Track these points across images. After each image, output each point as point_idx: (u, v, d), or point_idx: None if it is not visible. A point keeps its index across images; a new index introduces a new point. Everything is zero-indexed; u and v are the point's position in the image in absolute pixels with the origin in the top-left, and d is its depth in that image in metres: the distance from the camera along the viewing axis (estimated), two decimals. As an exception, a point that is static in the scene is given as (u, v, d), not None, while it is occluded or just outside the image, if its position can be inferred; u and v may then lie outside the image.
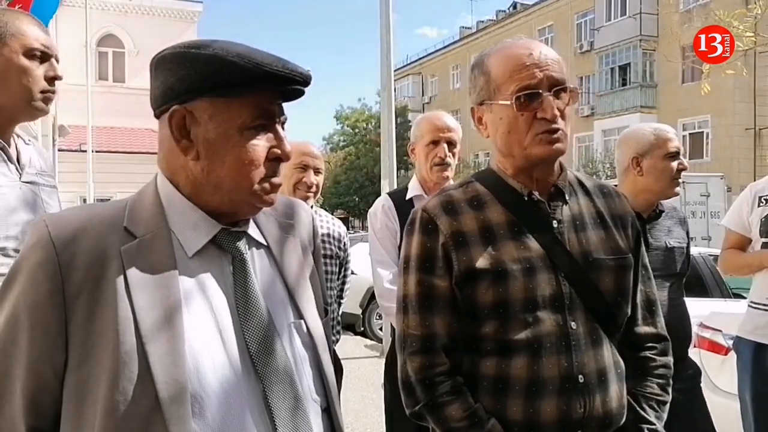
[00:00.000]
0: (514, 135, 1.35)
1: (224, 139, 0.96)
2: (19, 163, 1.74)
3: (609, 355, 1.36)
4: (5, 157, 1.70)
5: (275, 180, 1.01)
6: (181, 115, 0.96)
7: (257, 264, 1.05)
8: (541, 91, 1.31)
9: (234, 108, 0.95)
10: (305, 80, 1.00)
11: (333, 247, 2.76)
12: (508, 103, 1.32)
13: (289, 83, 0.98)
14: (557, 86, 1.33)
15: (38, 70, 1.70)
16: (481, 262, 1.32)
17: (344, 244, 2.82)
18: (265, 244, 1.08)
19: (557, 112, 1.32)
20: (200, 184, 0.98)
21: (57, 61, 1.77)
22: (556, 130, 1.32)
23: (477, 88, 1.42)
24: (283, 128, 1.02)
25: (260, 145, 0.97)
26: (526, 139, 1.33)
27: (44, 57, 1.71)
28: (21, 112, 1.72)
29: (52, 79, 1.73)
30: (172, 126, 0.97)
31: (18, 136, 1.80)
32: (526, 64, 1.33)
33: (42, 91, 1.71)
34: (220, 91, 0.94)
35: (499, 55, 1.39)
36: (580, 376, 1.30)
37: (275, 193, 1.02)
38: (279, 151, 0.99)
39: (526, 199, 1.39)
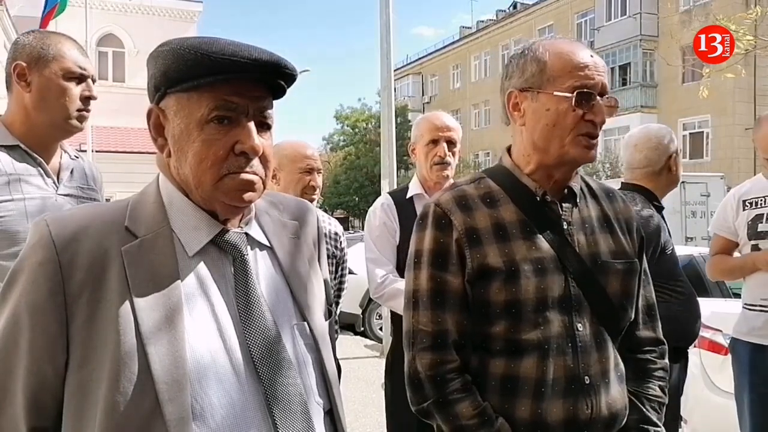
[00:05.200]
0: (558, 130, 1.33)
1: (186, 135, 0.94)
2: (58, 177, 1.88)
3: (612, 357, 1.37)
4: (42, 171, 1.83)
5: (244, 176, 0.95)
6: (156, 114, 0.97)
7: (260, 265, 1.04)
8: (595, 93, 1.32)
9: (194, 102, 0.93)
10: (266, 68, 0.93)
11: (330, 247, 2.76)
12: (567, 95, 1.31)
13: (245, 72, 0.92)
14: (605, 95, 1.34)
15: (75, 90, 1.84)
16: (495, 261, 1.32)
17: (341, 243, 2.82)
18: (268, 245, 1.07)
19: (605, 119, 1.33)
20: (178, 181, 0.98)
21: (93, 81, 1.90)
22: (596, 136, 1.34)
23: (525, 73, 1.37)
24: (265, 123, 0.98)
25: (220, 139, 0.93)
26: (568, 137, 1.32)
27: (81, 78, 1.85)
28: (58, 130, 1.86)
29: (86, 99, 1.87)
30: (149, 125, 0.98)
31: (65, 151, 1.95)
32: (587, 65, 1.33)
33: (78, 110, 1.85)
34: (178, 85, 0.93)
35: (558, 48, 1.36)
36: (586, 377, 1.31)
37: (251, 191, 0.96)
38: (243, 146, 0.94)
39: (538, 199, 1.39)
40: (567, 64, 1.33)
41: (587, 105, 1.31)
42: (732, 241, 2.89)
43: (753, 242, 2.77)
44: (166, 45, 0.95)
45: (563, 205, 1.40)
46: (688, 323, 2.47)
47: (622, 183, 2.62)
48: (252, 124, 0.95)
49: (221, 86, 0.93)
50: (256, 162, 0.96)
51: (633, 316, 1.44)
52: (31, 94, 1.79)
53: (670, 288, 2.42)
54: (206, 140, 0.93)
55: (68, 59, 1.82)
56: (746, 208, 2.81)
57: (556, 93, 1.32)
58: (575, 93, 1.30)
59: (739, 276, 2.88)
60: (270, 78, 0.96)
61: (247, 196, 0.96)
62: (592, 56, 1.35)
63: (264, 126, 0.98)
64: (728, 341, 3.29)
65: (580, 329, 1.32)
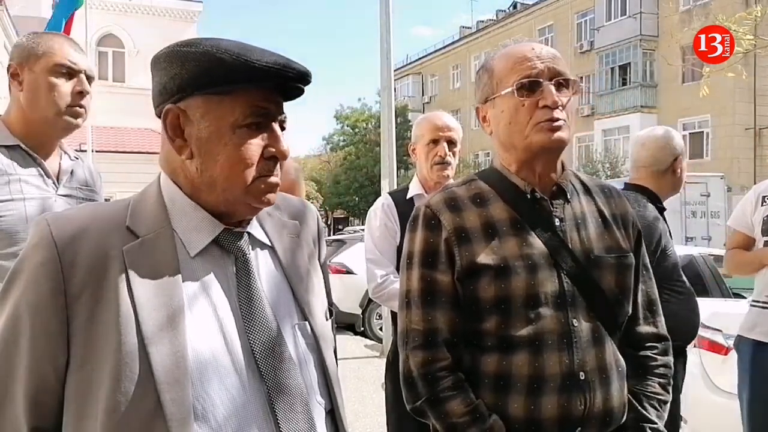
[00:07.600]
0: (515, 125, 1.36)
1: (216, 138, 0.95)
2: (58, 178, 1.87)
3: (611, 353, 1.37)
4: (42, 172, 1.83)
5: (272, 179, 0.98)
6: (175, 114, 0.96)
7: (261, 265, 1.04)
8: (541, 80, 1.34)
9: (226, 106, 0.94)
10: (301, 77, 0.97)
11: None
12: (510, 90, 1.35)
13: (283, 80, 0.96)
14: (558, 77, 1.35)
15: (65, 86, 1.81)
16: (484, 258, 1.33)
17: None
18: (269, 244, 1.07)
19: (558, 100, 1.33)
20: (197, 183, 0.98)
21: (90, 78, 1.87)
22: (557, 119, 1.33)
23: (481, 86, 1.45)
24: (282, 127, 1.01)
25: (253, 143, 0.96)
26: (527, 128, 1.35)
27: (72, 73, 1.82)
28: (53, 127, 1.84)
29: (79, 94, 1.83)
30: (166, 125, 0.97)
31: (65, 152, 1.94)
32: (528, 57, 1.36)
33: (69, 106, 1.82)
34: (211, 88, 0.93)
35: (503, 53, 1.43)
36: (581, 374, 1.31)
37: (273, 193, 1.00)
38: (274, 150, 0.97)
39: (528, 196, 1.40)
40: (508, 63, 1.38)
41: (536, 94, 1.34)
42: (749, 237, 2.89)
43: (766, 238, 2.77)
44: (196, 46, 0.94)
45: (554, 202, 1.41)
46: (686, 321, 2.48)
47: (625, 184, 2.62)
48: (278, 128, 0.99)
49: (254, 92, 0.95)
50: (277, 165, 1.00)
51: (631, 311, 1.44)
52: (23, 92, 1.80)
53: (669, 288, 2.43)
54: (240, 144, 0.95)
55: (58, 55, 1.80)
56: (764, 204, 2.81)
57: (502, 93, 1.37)
58: (515, 86, 1.34)
59: (750, 271, 2.89)
60: (293, 84, 0.99)
61: (271, 197, 1.00)
62: (533, 48, 1.37)
63: (282, 129, 1.01)
64: (728, 341, 3.30)
65: (576, 324, 1.33)
